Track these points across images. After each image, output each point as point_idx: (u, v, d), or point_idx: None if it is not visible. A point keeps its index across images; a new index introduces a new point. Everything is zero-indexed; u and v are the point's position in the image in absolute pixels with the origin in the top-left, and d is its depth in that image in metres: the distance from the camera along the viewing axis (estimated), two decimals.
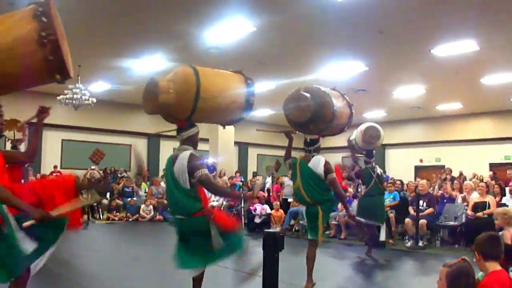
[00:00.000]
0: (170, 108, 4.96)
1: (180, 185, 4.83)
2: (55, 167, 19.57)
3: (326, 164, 6.62)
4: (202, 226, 4.77)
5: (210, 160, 19.73)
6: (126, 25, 11.77)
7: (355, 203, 11.36)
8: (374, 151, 10.15)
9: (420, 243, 10.93)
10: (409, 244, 11.07)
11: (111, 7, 10.73)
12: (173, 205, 5.07)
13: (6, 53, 3.69)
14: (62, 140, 21.43)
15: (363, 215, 9.76)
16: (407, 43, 12.61)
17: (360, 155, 10.47)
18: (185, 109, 4.96)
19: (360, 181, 10.84)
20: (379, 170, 10.01)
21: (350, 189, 13.45)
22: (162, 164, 23.76)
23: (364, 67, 14.82)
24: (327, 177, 6.54)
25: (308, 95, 6.61)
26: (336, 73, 15.05)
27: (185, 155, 4.88)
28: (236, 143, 20.67)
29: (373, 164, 9.98)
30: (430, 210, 11.25)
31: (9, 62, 3.72)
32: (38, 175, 17.36)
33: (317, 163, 6.61)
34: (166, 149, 24.09)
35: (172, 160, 4.97)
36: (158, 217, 16.51)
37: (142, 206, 16.88)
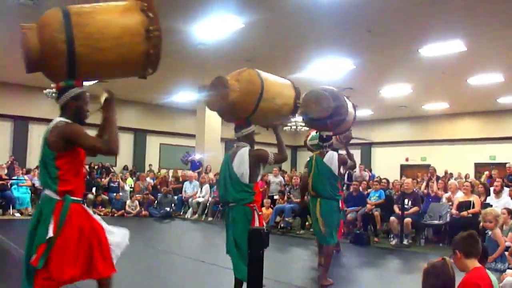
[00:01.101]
0: (234, 106, 5.30)
1: (237, 178, 5.21)
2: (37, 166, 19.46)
3: (339, 157, 7.13)
4: (248, 216, 5.16)
5: (197, 156, 19.69)
6: None
7: None
8: None
9: (405, 242, 10.97)
10: (393, 242, 11.11)
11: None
12: (224, 197, 5.39)
13: (114, 41, 3.79)
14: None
15: None
16: (395, 43, 12.67)
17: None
18: (247, 108, 5.34)
19: None
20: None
21: None
22: (148, 159, 23.80)
23: (351, 65, 14.86)
24: (345, 166, 7.13)
25: (328, 94, 7.00)
26: (324, 71, 15.07)
27: (244, 151, 5.27)
28: (222, 139, 20.61)
29: None
30: (415, 208, 11.30)
31: (114, 50, 3.80)
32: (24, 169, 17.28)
33: (331, 158, 6.99)
34: (152, 144, 24.07)
35: (230, 157, 5.35)
36: (143, 212, 16.45)
37: (128, 201, 16.80)
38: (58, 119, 3.85)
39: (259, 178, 5.45)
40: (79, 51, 3.67)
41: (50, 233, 3.57)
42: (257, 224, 5.16)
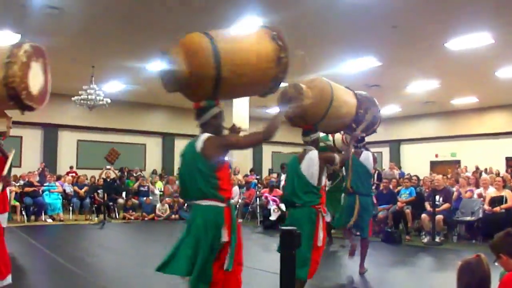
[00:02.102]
0: (306, 112, 5.59)
1: (306, 180, 5.45)
2: (71, 167, 19.72)
3: (374, 158, 7.61)
4: (313, 217, 5.38)
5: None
6: (139, 24, 11.82)
7: None
8: None
9: (437, 239, 10.86)
10: (425, 240, 11.00)
11: (124, 7, 10.78)
12: (291, 198, 5.59)
13: (253, 67, 4.21)
14: (78, 140, 21.56)
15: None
16: (420, 37, 12.53)
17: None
18: (317, 115, 5.68)
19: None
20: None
21: None
22: (177, 163, 23.88)
23: (377, 62, 14.75)
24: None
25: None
26: (349, 68, 15.00)
27: (313, 154, 5.53)
28: None
29: None
30: (447, 205, 11.18)
31: (251, 75, 4.22)
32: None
33: (367, 157, 7.46)
34: (180, 147, 24.17)
35: (298, 159, 5.62)
36: (174, 215, 16.54)
37: (158, 205, 16.93)
38: (206, 135, 4.28)
39: (324, 181, 5.70)
40: (225, 76, 4.03)
41: (225, 238, 3.91)
42: (320, 226, 5.40)
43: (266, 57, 4.28)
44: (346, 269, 8.10)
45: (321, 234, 5.43)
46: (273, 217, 13.52)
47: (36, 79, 4.49)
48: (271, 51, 4.31)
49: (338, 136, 10.48)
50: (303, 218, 5.36)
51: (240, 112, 17.20)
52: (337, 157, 5.68)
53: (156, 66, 14.64)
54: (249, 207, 15.09)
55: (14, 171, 16.29)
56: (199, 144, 4.24)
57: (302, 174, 5.49)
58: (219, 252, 3.91)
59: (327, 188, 11.18)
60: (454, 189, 12.26)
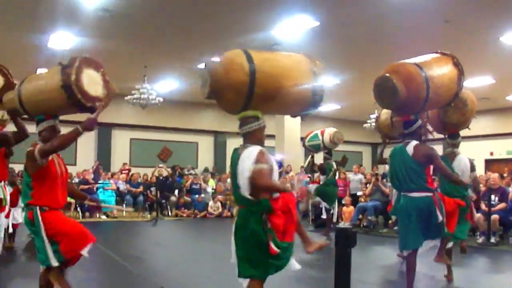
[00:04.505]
0: (403, 103, 5.66)
1: (415, 168, 5.62)
2: (124, 164, 20.09)
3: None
4: (431, 207, 5.61)
5: (277, 156, 19.77)
6: (191, 22, 11.94)
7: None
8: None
9: (492, 240, 10.64)
10: (480, 240, 10.79)
11: (174, 7, 10.93)
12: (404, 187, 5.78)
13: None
14: (131, 139, 21.97)
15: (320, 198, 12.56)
16: (474, 32, 12.24)
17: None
18: (417, 104, 5.69)
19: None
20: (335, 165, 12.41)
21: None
22: (229, 161, 24.08)
23: None
24: None
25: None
26: None
27: (410, 146, 5.67)
28: (302, 139, 20.63)
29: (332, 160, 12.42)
30: (503, 205, 10.92)
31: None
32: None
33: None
34: (232, 146, 24.33)
35: (405, 147, 5.72)
36: (226, 213, 16.69)
37: (210, 202, 17.12)
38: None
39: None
40: (257, 92, 4.23)
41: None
42: (438, 211, 5.59)
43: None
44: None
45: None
46: (324, 215, 13.47)
47: (92, 82, 4.68)
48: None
49: (326, 135, 12.04)
50: (421, 206, 5.60)
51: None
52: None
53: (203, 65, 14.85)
54: (300, 205, 15.06)
55: (70, 169, 16.68)
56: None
57: (413, 163, 5.63)
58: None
59: (321, 182, 12.42)
60: (510, 188, 11.96)
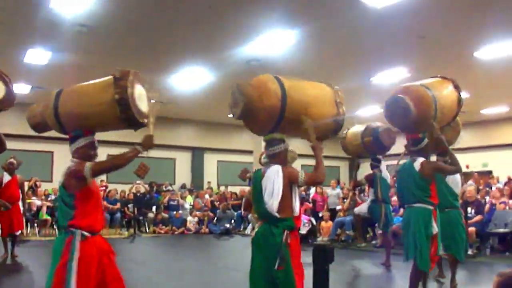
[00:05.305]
0: (414, 123, 5.90)
1: (424, 184, 5.94)
2: (101, 181, 19.89)
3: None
4: (426, 217, 5.87)
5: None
6: (165, 40, 11.95)
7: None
8: None
9: (470, 252, 10.67)
10: None
11: (149, 22, 10.91)
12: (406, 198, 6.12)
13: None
14: (108, 155, 21.69)
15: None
16: (449, 47, 12.41)
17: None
18: (424, 123, 5.92)
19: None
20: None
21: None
22: (207, 177, 24.05)
23: (406, 73, 14.62)
24: None
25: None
26: (378, 80, 14.91)
27: (418, 162, 5.97)
28: None
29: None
30: (479, 217, 11.03)
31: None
32: None
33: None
34: (210, 161, 24.35)
35: (413, 164, 6.01)
36: (204, 229, 16.61)
37: (189, 217, 17.04)
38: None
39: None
40: (286, 116, 4.56)
41: None
42: (435, 223, 5.89)
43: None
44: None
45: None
46: (303, 230, 13.46)
47: (141, 97, 4.70)
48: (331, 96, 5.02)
49: None
50: (414, 218, 5.90)
51: None
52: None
53: (183, 82, 14.82)
54: None
55: (46, 186, 16.55)
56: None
57: (418, 176, 5.93)
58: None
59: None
60: (486, 200, 12.09)
